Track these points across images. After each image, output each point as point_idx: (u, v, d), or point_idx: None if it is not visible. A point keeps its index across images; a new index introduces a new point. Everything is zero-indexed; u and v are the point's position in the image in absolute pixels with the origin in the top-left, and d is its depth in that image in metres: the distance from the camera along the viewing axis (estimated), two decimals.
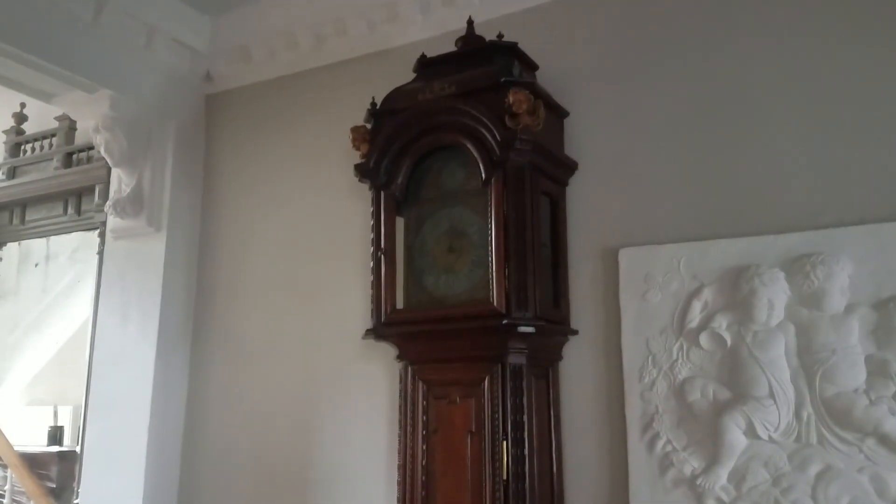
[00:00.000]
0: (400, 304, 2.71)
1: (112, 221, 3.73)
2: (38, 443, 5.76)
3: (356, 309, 3.12)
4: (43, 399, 6.36)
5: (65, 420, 6.08)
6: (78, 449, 3.95)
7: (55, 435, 5.93)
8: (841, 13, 2.48)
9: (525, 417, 2.44)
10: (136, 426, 3.43)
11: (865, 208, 2.32)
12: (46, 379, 6.51)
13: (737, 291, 2.41)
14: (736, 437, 2.33)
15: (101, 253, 3.96)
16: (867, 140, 2.38)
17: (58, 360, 6.48)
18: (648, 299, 2.56)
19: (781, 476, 2.25)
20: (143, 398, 3.45)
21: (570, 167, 2.81)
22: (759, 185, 2.50)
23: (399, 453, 2.63)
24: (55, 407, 6.12)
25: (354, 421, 3.12)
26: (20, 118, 4.88)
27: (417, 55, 2.84)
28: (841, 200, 2.37)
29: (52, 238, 5.46)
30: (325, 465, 3.16)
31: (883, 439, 2.15)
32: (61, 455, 5.41)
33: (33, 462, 4.87)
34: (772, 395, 2.30)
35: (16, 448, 4.50)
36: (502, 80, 2.53)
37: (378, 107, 2.82)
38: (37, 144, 4.74)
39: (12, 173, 4.78)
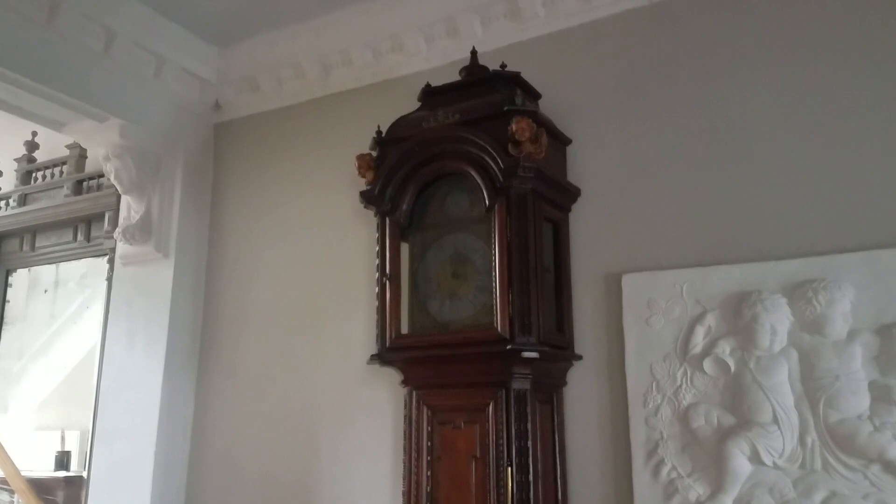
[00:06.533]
0: (405, 330, 2.73)
1: (121, 248, 3.77)
2: (45, 468, 5.74)
3: (361, 334, 3.14)
4: (50, 424, 6.36)
5: (72, 445, 6.06)
6: (85, 474, 3.95)
7: (62, 460, 5.90)
8: (839, 47, 2.51)
9: (529, 443, 2.44)
10: (142, 451, 3.44)
11: (866, 234, 2.33)
12: (54, 404, 6.51)
13: (739, 317, 2.41)
14: (740, 464, 2.32)
15: (109, 279, 3.99)
16: (866, 167, 2.40)
17: (65, 386, 6.48)
18: (652, 325, 2.56)
19: (787, 503, 2.24)
20: (150, 423, 3.46)
21: (573, 194, 2.83)
22: (759, 211, 2.52)
23: (404, 479, 2.63)
24: (62, 432, 6.12)
25: (359, 446, 3.12)
26: (31, 146, 4.94)
27: (422, 84, 2.89)
28: (841, 227, 2.38)
29: (62, 264, 5.48)
30: (330, 491, 3.16)
31: (888, 466, 2.14)
32: (68, 480, 5.39)
33: (40, 487, 4.85)
34: (776, 421, 2.30)
35: (23, 473, 4.50)
36: (505, 108, 2.56)
37: (383, 135, 2.86)
38: (47, 172, 4.79)
39: (23, 200, 4.83)
